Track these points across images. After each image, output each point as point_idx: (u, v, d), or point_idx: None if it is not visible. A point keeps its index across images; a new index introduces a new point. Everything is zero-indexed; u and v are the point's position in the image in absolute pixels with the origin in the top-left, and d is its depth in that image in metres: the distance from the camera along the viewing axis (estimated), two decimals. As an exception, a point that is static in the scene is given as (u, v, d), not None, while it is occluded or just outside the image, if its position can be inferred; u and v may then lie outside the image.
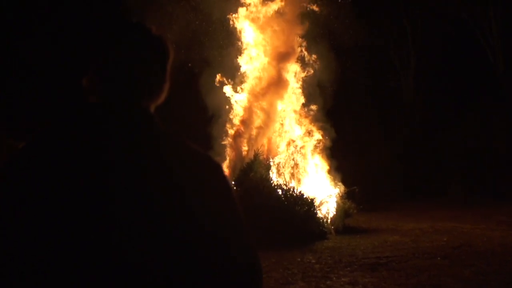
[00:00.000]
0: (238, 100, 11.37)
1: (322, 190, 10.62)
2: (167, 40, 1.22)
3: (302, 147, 11.22)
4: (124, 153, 1.06)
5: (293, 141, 11.24)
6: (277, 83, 11.35)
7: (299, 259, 7.21)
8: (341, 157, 11.89)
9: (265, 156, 10.56)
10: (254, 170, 9.75)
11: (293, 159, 11.05)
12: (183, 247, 1.03)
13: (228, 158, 11.15)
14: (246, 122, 11.19)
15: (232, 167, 10.91)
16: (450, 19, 18.68)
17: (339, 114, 12.04)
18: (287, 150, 11.13)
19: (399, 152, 18.78)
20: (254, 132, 11.05)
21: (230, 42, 11.71)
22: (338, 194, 10.67)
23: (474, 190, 16.42)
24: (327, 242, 8.82)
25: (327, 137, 11.47)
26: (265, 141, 11.14)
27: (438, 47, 19.55)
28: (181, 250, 1.03)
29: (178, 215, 1.04)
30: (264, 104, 11.22)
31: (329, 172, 11.31)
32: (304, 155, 11.20)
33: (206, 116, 11.39)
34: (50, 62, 13.99)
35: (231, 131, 11.28)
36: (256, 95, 11.26)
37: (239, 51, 11.52)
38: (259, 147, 10.49)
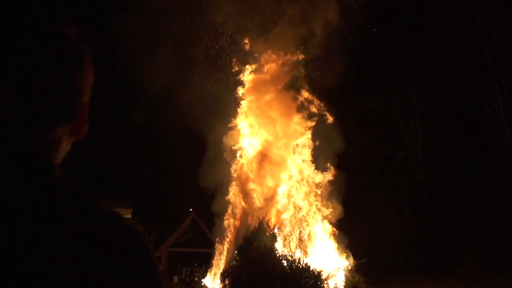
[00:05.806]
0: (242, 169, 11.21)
1: (330, 262, 10.07)
2: (84, 47, 0.79)
3: (308, 217, 10.81)
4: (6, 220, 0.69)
5: (300, 209, 10.85)
6: (284, 152, 11.25)
7: None
8: (349, 228, 11.44)
9: (270, 225, 10.16)
10: (258, 239, 9.36)
11: (299, 229, 10.60)
12: None
13: (231, 226, 10.78)
14: (250, 190, 10.94)
15: (235, 235, 10.51)
16: (457, 91, 19.04)
17: (347, 184, 11.72)
18: (293, 219, 10.72)
19: (408, 224, 18.22)
20: (258, 201, 10.77)
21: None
22: (347, 267, 10.10)
23: (488, 264, 15.61)
24: (335, 320, 8.19)
25: (335, 208, 11.10)
26: (270, 209, 10.79)
27: (445, 117, 19.70)
28: None
29: None
30: (269, 172, 11.03)
31: (337, 243, 10.80)
32: (310, 225, 10.77)
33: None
34: None
35: (233, 198, 11.00)
36: (262, 163, 11.11)
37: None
38: (264, 216, 10.13)
